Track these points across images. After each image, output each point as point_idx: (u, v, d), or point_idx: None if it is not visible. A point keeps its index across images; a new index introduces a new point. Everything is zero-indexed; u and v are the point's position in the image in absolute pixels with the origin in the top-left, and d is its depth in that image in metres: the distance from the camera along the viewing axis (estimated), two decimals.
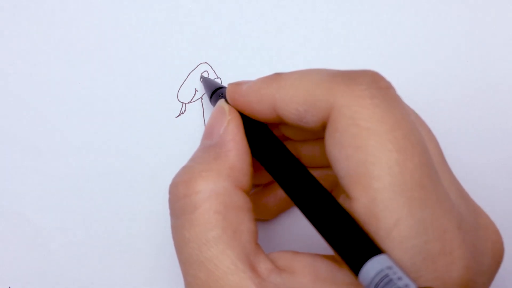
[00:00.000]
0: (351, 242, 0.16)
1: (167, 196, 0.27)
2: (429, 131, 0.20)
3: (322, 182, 0.19)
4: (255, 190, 0.26)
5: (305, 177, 0.18)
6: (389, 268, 0.15)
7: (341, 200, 0.18)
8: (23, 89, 0.29)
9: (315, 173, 0.23)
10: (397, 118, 0.17)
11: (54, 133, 0.28)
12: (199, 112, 0.28)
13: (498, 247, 0.19)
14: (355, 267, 0.16)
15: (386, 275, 0.15)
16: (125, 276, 0.27)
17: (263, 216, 0.26)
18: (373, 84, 0.17)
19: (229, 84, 0.22)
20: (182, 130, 0.28)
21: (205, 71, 0.29)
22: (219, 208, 0.18)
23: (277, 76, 0.20)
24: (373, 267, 0.15)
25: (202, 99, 0.28)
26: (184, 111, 0.28)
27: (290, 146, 0.24)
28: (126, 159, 0.28)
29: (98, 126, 0.28)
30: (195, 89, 0.28)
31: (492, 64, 0.29)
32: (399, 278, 0.15)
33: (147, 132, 0.28)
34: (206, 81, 0.27)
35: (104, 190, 0.27)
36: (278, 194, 0.25)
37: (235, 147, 0.20)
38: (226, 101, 0.22)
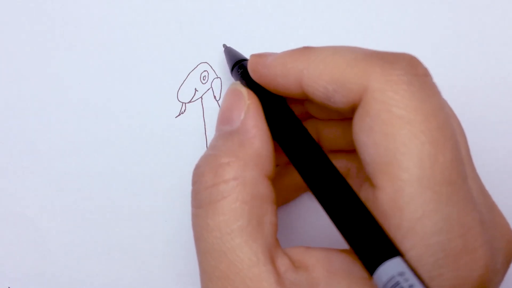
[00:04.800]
0: (367, 240, 0.16)
1: (166, 196, 0.27)
2: (459, 124, 0.19)
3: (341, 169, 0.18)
4: None
5: (325, 165, 0.18)
6: (401, 274, 0.15)
7: (365, 187, 0.18)
8: (23, 89, 0.29)
9: (336, 162, 0.22)
10: (432, 108, 0.16)
11: (54, 133, 0.28)
12: (199, 112, 0.28)
13: (511, 246, 0.18)
14: (370, 268, 0.15)
15: (397, 283, 0.15)
16: (125, 276, 0.27)
17: None
18: (411, 69, 0.17)
19: (252, 55, 0.21)
20: (182, 130, 0.28)
21: (205, 70, 0.29)
22: (246, 198, 0.18)
23: (307, 50, 0.19)
24: (385, 272, 0.15)
25: (202, 99, 0.28)
26: (184, 111, 0.28)
27: (311, 124, 0.23)
28: (126, 159, 0.28)
29: (98, 126, 0.28)
30: (195, 89, 0.28)
31: (493, 63, 0.29)
32: (410, 286, 0.14)
33: (147, 132, 0.28)
34: (228, 51, 0.26)
35: (104, 190, 0.27)
36: (285, 183, 0.25)
37: (259, 133, 0.19)
38: (245, 80, 0.21)
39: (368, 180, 0.17)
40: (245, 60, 0.24)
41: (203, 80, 0.29)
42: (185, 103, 0.28)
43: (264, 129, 0.19)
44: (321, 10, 0.30)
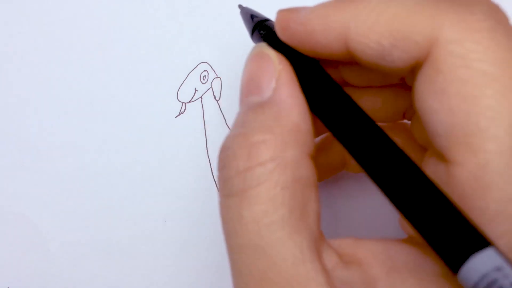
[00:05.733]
0: (446, 229, 0.12)
1: (166, 196, 0.27)
2: None
3: None
4: None
5: (382, 141, 0.14)
6: (499, 269, 0.12)
7: (432, 164, 0.15)
8: (23, 89, 0.29)
9: None
10: None
11: (54, 133, 0.28)
12: (199, 112, 0.28)
13: None
14: (453, 263, 0.12)
15: (494, 281, 0.12)
16: (124, 277, 0.26)
17: None
18: (493, 14, 0.14)
19: (281, 11, 0.17)
20: (182, 130, 0.28)
21: (204, 70, 0.29)
22: (287, 182, 0.14)
23: None
24: (476, 268, 0.12)
25: (202, 98, 0.28)
26: (184, 111, 0.28)
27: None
28: (126, 159, 0.28)
29: (98, 126, 0.28)
30: (195, 88, 0.28)
31: None
32: None
33: (147, 132, 0.28)
34: (246, 11, 0.22)
35: (104, 190, 0.27)
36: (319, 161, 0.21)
37: (296, 103, 0.16)
38: (269, 43, 0.18)
39: (433, 155, 0.15)
40: (268, 20, 0.20)
41: (203, 80, 0.29)
42: (185, 103, 0.28)
43: (300, 99, 0.16)
44: None
